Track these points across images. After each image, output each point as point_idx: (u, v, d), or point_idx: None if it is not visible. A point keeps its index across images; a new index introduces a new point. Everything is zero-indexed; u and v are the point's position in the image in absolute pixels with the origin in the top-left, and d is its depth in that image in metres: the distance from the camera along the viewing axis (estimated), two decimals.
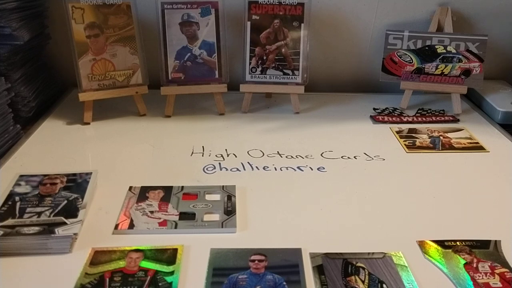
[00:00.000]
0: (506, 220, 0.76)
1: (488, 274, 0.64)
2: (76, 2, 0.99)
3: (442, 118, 1.12)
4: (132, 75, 1.06)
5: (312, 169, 0.89)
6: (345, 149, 0.97)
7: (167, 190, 0.80)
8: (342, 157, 0.94)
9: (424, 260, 0.67)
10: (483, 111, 1.17)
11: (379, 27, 1.19)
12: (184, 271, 0.63)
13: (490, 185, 0.85)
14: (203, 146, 0.97)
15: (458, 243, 0.69)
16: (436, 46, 1.13)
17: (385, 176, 0.88)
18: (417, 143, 1.00)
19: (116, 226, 0.71)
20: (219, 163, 0.90)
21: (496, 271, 0.64)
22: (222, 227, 0.72)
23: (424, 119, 1.11)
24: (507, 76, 1.29)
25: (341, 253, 0.67)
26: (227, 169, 0.89)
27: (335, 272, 0.64)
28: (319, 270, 0.64)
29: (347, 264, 0.65)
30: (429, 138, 1.02)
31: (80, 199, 0.75)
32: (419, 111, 1.16)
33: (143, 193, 0.79)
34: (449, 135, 1.03)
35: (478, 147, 0.99)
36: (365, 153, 0.95)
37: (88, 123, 1.05)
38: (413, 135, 1.03)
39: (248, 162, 0.91)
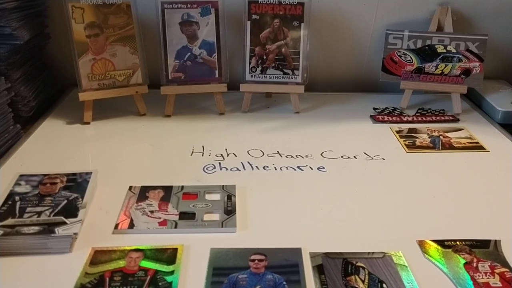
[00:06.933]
0: (506, 220, 0.76)
1: (488, 273, 0.64)
2: (76, 1, 0.99)
3: (442, 118, 1.12)
4: (132, 74, 1.06)
5: (312, 169, 0.89)
6: (345, 148, 0.97)
7: (167, 189, 0.80)
8: (342, 156, 0.94)
9: (424, 260, 0.67)
10: (483, 110, 1.17)
11: (379, 27, 1.19)
12: (184, 270, 0.63)
13: (490, 185, 0.85)
14: (203, 146, 0.97)
15: (458, 242, 0.70)
16: (436, 46, 1.13)
17: (385, 175, 0.88)
18: (417, 143, 1.00)
19: (116, 226, 0.71)
20: (219, 163, 0.90)
21: (496, 270, 0.64)
22: (222, 226, 0.72)
23: (424, 118, 1.11)
24: (507, 75, 1.29)
25: (341, 253, 0.67)
26: (227, 169, 0.89)
27: (335, 272, 0.64)
28: (319, 269, 0.64)
29: (347, 264, 0.65)
30: (429, 137, 1.02)
31: (80, 199, 0.75)
32: (419, 111, 1.16)
33: (143, 192, 0.79)
34: (449, 134, 1.03)
35: (478, 147, 0.99)
36: (365, 153, 0.95)
37: (88, 123, 1.05)
38: (413, 134, 1.03)
39: (248, 162, 0.91)
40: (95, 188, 0.80)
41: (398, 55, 1.14)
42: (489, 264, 0.66)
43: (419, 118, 1.11)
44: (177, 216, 0.74)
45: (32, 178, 0.79)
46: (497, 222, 0.75)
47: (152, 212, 0.75)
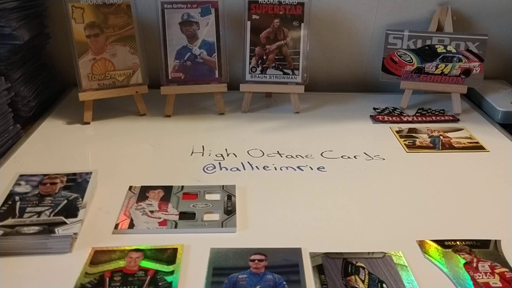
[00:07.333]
0: (506, 220, 0.76)
1: (488, 273, 0.64)
2: (76, 1, 0.99)
3: (442, 118, 1.12)
4: (132, 74, 1.06)
5: (312, 169, 0.89)
6: (345, 148, 0.97)
7: (167, 189, 0.80)
8: (342, 156, 0.94)
9: (424, 260, 0.67)
10: (483, 110, 1.17)
11: (379, 27, 1.19)
12: (184, 270, 0.63)
13: (490, 185, 0.85)
14: (203, 146, 0.97)
15: (458, 242, 0.70)
16: (436, 46, 1.13)
17: (385, 176, 0.88)
18: (417, 143, 1.00)
19: (116, 226, 0.71)
20: (219, 163, 0.90)
21: (496, 270, 0.64)
22: (222, 226, 0.72)
23: (424, 118, 1.11)
24: (507, 75, 1.29)
25: (341, 253, 0.67)
26: (227, 169, 0.89)
27: (335, 272, 0.64)
28: (319, 269, 0.64)
29: (347, 264, 0.65)
30: (429, 137, 1.02)
31: (80, 199, 0.75)
32: (419, 111, 1.16)
33: (143, 192, 0.79)
34: (449, 134, 1.03)
35: (478, 147, 0.99)
36: (365, 153, 0.95)
37: (88, 123, 1.05)
38: (413, 134, 1.03)
39: (248, 162, 0.91)
40: (95, 188, 0.80)
41: (398, 55, 1.14)
42: (489, 264, 0.66)
43: (419, 118, 1.11)
44: (177, 216, 0.74)
45: (32, 178, 0.79)
46: (497, 222, 0.75)
47: (152, 212, 0.75)
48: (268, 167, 0.90)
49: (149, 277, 0.62)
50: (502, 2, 1.18)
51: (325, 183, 0.85)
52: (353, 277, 0.63)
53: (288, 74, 1.10)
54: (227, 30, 1.08)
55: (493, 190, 0.84)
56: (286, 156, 0.93)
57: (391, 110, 1.16)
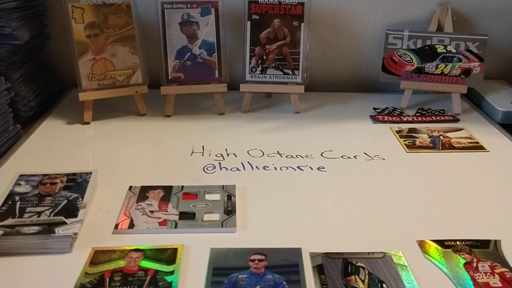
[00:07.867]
0: (506, 220, 0.76)
1: (488, 273, 0.64)
2: (76, 1, 0.99)
3: (442, 118, 1.12)
4: (132, 74, 1.06)
5: (312, 169, 0.89)
6: (345, 148, 0.97)
7: (167, 189, 0.80)
8: (342, 156, 0.94)
9: (424, 260, 0.67)
10: (483, 110, 1.17)
11: (379, 27, 1.19)
12: (184, 270, 0.63)
13: (490, 185, 0.85)
14: (203, 146, 0.97)
15: (458, 242, 0.70)
16: (436, 46, 1.13)
17: (385, 176, 0.88)
18: (417, 143, 1.00)
19: (116, 226, 0.71)
20: (219, 163, 0.90)
21: (496, 270, 0.64)
22: (222, 226, 0.72)
23: (424, 118, 1.11)
24: (507, 75, 1.29)
25: (341, 253, 0.67)
26: (227, 169, 0.89)
27: (335, 272, 0.64)
28: (319, 269, 0.64)
29: (347, 264, 0.65)
30: (429, 137, 1.02)
31: (80, 199, 0.75)
32: (419, 111, 1.16)
33: (143, 192, 0.79)
34: (449, 134, 1.03)
35: (478, 147, 0.99)
36: (365, 153, 0.95)
37: (88, 123, 1.05)
38: (413, 134, 1.03)
39: (248, 162, 0.91)
40: (95, 188, 0.80)
41: (398, 55, 1.14)
42: (489, 264, 0.66)
43: (419, 118, 1.11)
44: (177, 216, 0.74)
45: (32, 178, 0.79)
46: (497, 222, 0.75)
47: (152, 212, 0.75)
48: (268, 167, 0.90)
49: (149, 277, 0.62)
50: (502, 2, 1.18)
51: (325, 183, 0.85)
52: (353, 277, 0.63)
53: (288, 74, 1.10)
54: (227, 30, 1.08)
55: (493, 190, 0.84)
56: (286, 156, 0.93)
57: (391, 110, 1.16)
